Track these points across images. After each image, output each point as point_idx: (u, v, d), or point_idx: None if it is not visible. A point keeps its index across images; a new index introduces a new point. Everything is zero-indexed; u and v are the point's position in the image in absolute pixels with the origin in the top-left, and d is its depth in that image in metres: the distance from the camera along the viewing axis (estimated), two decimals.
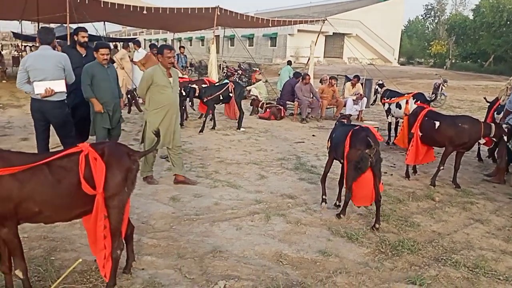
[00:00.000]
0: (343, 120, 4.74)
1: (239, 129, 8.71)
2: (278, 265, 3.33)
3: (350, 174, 4.06)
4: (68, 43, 9.62)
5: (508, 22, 35.56)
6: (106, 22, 18.07)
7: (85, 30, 5.56)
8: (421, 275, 3.24)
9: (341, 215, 4.27)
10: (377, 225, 4.03)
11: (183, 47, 14.27)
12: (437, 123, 5.44)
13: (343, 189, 4.39)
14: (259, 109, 10.81)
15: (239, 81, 16.27)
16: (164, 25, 19.90)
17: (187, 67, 13.97)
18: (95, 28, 16.10)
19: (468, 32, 40.68)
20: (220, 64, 19.03)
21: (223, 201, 4.65)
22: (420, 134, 5.62)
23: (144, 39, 52.36)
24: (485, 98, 7.99)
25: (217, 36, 14.58)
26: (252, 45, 42.46)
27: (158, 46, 5.44)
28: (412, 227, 4.15)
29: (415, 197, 5.04)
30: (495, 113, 6.22)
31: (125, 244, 2.92)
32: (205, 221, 4.08)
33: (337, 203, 4.58)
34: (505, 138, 5.13)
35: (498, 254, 3.64)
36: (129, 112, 10.04)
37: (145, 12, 12.15)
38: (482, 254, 3.61)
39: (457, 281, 3.19)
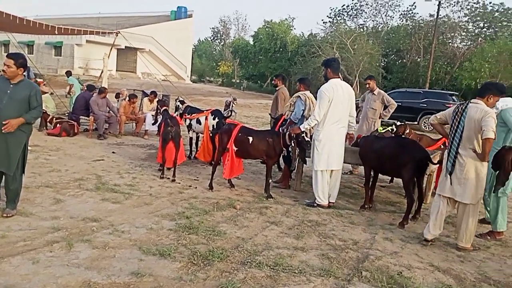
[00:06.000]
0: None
1: None
2: None
3: (162, 144, 6.70)
4: None
5: (281, 49, 41.58)
6: None
7: None
8: (231, 280, 3.43)
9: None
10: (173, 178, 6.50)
11: None
12: (251, 138, 5.95)
13: None
14: (48, 124, 9.70)
15: None
16: None
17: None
18: None
19: (250, 55, 45.84)
20: None
21: (11, 233, 3.98)
22: (236, 149, 6.03)
23: None
24: (270, 114, 9.10)
25: None
26: (33, 53, 37.96)
27: None
28: (220, 236, 4.37)
29: (219, 207, 5.33)
30: (281, 128, 7.13)
31: None
32: None
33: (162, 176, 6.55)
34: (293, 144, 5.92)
35: (291, 250, 4.16)
36: None
37: None
38: (279, 253, 4.07)
39: (262, 280, 3.50)
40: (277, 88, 7.99)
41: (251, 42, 46.95)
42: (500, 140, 4.77)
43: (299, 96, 6.51)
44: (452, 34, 36.01)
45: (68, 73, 14.58)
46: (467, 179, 4.35)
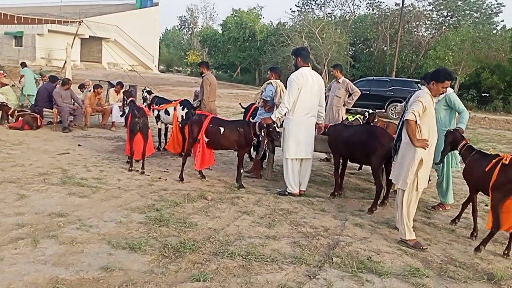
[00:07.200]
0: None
1: None
2: None
3: (130, 136, 6.55)
4: None
5: (250, 38, 41.26)
6: None
7: None
8: (203, 271, 3.41)
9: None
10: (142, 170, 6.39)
11: None
12: (222, 129, 5.90)
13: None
14: (10, 117, 9.31)
15: None
16: None
17: None
18: None
19: (219, 45, 45.31)
20: None
21: None
22: (207, 140, 5.97)
23: None
24: (240, 104, 9.07)
25: None
26: None
27: None
28: (191, 227, 4.33)
29: (190, 199, 5.28)
30: (251, 118, 7.11)
31: None
32: None
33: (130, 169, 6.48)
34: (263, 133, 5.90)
35: (263, 239, 4.17)
36: None
37: None
38: (251, 242, 4.07)
39: (234, 270, 3.50)
40: (203, 75, 7.93)
41: (220, 31, 46.34)
42: (447, 122, 5.45)
43: (270, 83, 6.54)
44: (417, 23, 36.78)
45: (23, 65, 14.04)
46: (401, 163, 4.41)
